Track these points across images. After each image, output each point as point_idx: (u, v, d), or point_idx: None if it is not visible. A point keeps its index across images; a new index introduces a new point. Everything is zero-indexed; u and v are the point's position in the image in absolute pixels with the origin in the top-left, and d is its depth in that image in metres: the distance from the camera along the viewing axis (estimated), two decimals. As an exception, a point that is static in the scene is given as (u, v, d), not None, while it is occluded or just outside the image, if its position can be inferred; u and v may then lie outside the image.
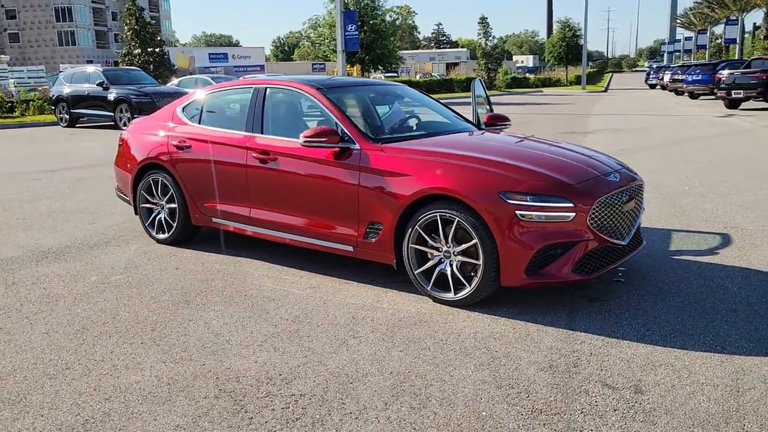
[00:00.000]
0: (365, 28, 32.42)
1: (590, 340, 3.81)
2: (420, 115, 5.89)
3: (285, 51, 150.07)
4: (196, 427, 2.93)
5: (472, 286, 4.23)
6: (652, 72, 47.42)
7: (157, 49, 38.51)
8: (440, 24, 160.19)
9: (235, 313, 4.33)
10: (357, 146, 4.76)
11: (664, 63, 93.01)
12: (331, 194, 4.85)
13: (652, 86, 46.80)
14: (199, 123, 5.89)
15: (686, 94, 32.00)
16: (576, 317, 4.15)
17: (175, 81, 26.00)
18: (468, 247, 4.23)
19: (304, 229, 5.08)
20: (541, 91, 45.03)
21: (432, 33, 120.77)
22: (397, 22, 36.14)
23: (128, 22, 38.61)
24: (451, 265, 4.35)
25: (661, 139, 14.61)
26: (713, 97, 28.67)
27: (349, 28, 26.20)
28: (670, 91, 37.27)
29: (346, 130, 4.85)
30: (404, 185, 4.44)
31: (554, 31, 52.09)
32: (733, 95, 22.94)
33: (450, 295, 4.35)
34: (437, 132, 5.34)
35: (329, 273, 5.13)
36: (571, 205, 4.10)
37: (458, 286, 4.32)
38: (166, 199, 5.98)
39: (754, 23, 53.17)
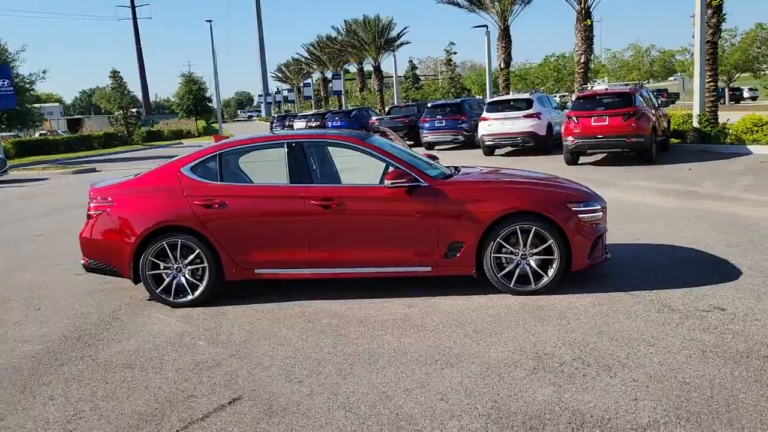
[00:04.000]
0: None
1: (631, 296, 5.59)
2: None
3: None
4: (558, 387, 3.93)
5: (551, 276, 5.74)
6: (275, 121, 51.88)
7: None
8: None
9: (409, 334, 5.01)
10: (424, 183, 5.81)
11: (263, 113, 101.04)
12: (408, 225, 5.79)
13: (276, 134, 51.03)
14: (221, 181, 6.04)
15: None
16: (598, 286, 5.91)
17: None
18: (545, 248, 5.73)
19: (376, 261, 5.86)
20: (182, 143, 45.58)
21: None
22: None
23: None
24: (528, 264, 5.78)
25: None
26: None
27: (2, 83, 23.51)
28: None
29: (408, 171, 5.85)
30: (485, 208, 5.71)
31: (179, 85, 53.07)
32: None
33: (531, 287, 5.77)
34: (447, 172, 6.54)
35: (389, 295, 5.96)
36: (599, 206, 5.95)
37: (537, 279, 5.77)
38: (187, 261, 5.94)
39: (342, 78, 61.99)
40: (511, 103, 19.96)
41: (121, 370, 4.59)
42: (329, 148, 6.37)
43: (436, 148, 24.30)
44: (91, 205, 6.14)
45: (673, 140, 19.48)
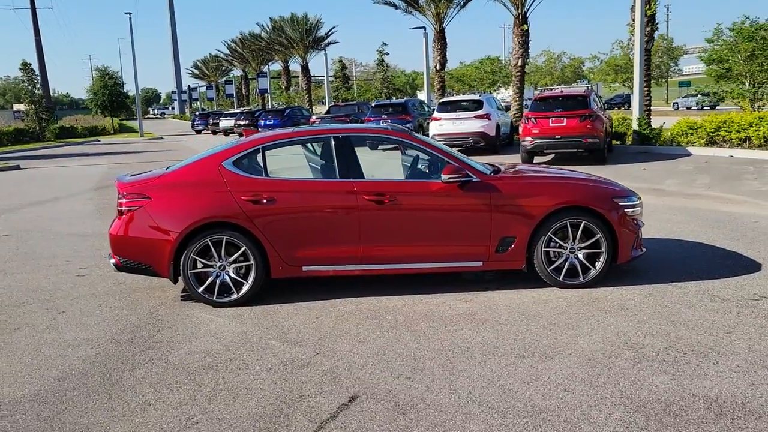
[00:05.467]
0: None
1: (676, 288, 5.84)
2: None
3: None
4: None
5: (598, 269, 5.89)
6: (197, 119, 50.46)
7: None
8: None
9: (485, 329, 5.00)
10: (476, 178, 5.84)
11: (176, 110, 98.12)
12: (461, 220, 5.79)
13: (199, 131, 49.58)
14: (266, 175, 5.84)
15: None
16: (637, 279, 6.12)
17: None
18: (593, 241, 5.87)
19: (429, 257, 5.83)
20: (99, 140, 43.50)
21: None
22: None
23: None
24: (577, 258, 5.91)
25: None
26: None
27: None
28: (229, 134, 40.81)
29: (459, 166, 5.86)
30: (538, 203, 5.79)
31: (94, 79, 50.49)
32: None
33: (579, 280, 5.90)
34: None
35: (436, 291, 5.93)
36: (638, 201, 6.16)
37: (584, 272, 5.90)
38: (232, 258, 5.71)
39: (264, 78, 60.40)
40: (462, 103, 20.31)
41: (205, 372, 4.35)
42: (384, 142, 6.28)
43: (380, 147, 24.27)
44: (123, 200, 5.78)
45: (614, 142, 20.36)
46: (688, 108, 53.95)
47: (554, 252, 5.90)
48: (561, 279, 5.87)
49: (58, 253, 8.32)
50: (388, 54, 40.67)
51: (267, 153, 5.93)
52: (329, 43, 47.37)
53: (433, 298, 5.78)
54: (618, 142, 20.29)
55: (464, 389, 3.94)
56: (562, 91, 17.59)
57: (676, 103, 57.75)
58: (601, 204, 5.84)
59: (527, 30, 26.22)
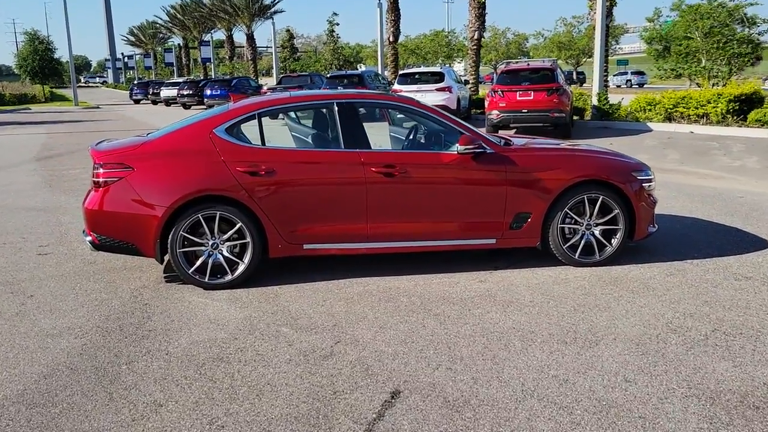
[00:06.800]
0: None
1: (693, 265, 5.62)
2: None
3: None
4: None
5: (614, 246, 5.61)
6: (136, 88, 48.37)
7: None
8: None
9: (512, 311, 4.65)
10: (490, 150, 5.45)
11: (110, 79, 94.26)
12: (475, 194, 5.40)
13: (137, 101, 47.60)
14: (264, 144, 5.30)
15: (206, 106, 34.22)
16: (650, 256, 5.87)
17: None
18: (611, 218, 5.58)
19: (441, 233, 5.42)
20: (30, 108, 41.11)
21: None
22: None
23: None
24: (593, 234, 5.61)
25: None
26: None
27: None
28: (171, 104, 39.31)
29: (474, 137, 5.45)
30: (555, 176, 5.45)
31: (23, 44, 47.66)
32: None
33: (595, 258, 5.61)
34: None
35: (442, 270, 5.55)
36: (653, 176, 5.90)
37: (600, 249, 5.61)
38: (226, 236, 5.17)
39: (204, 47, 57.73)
40: (423, 76, 19.87)
41: (216, 366, 3.84)
42: (391, 111, 5.81)
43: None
44: (100, 171, 5.13)
45: (574, 117, 20.32)
46: (618, 86, 55.58)
47: (569, 229, 5.58)
48: (577, 257, 5.57)
49: (11, 229, 7.55)
50: (338, 24, 39.64)
51: (263, 120, 5.37)
52: (276, 12, 46.00)
53: (444, 278, 5.38)
54: (577, 117, 20.23)
55: (515, 381, 3.57)
56: (528, 64, 17.35)
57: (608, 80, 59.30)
58: (621, 178, 5.54)
59: (484, 2, 25.92)
